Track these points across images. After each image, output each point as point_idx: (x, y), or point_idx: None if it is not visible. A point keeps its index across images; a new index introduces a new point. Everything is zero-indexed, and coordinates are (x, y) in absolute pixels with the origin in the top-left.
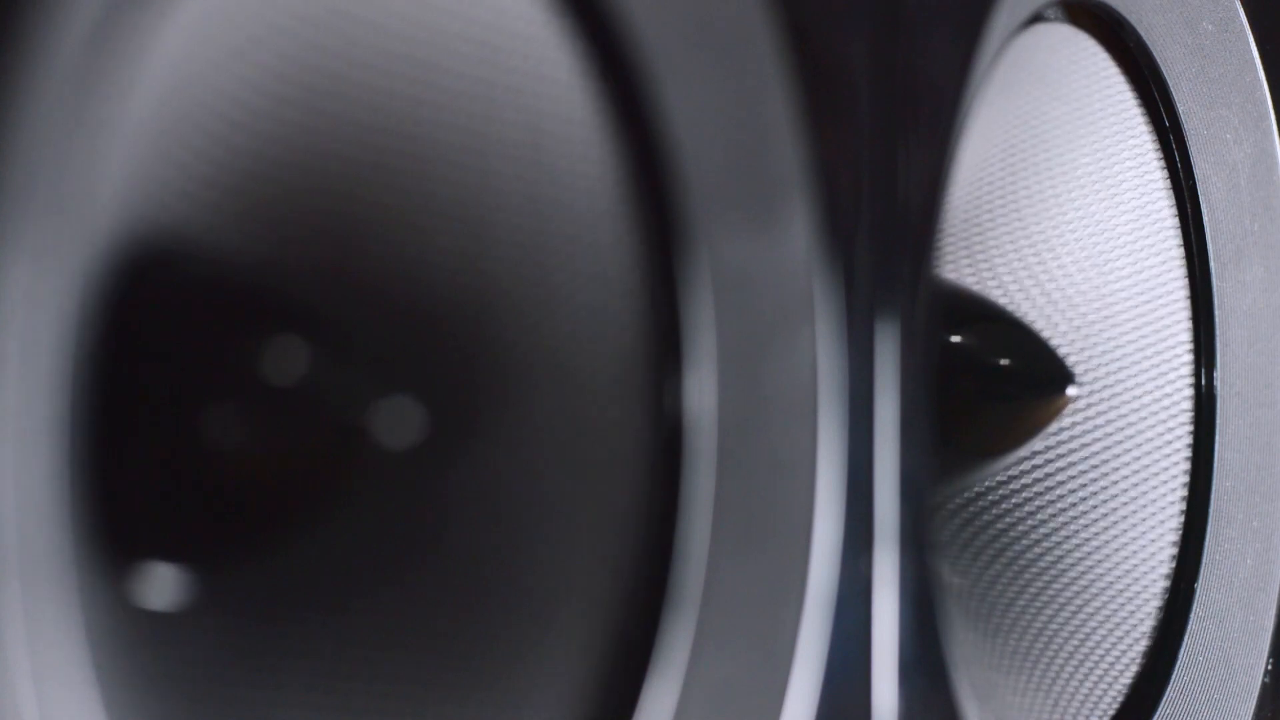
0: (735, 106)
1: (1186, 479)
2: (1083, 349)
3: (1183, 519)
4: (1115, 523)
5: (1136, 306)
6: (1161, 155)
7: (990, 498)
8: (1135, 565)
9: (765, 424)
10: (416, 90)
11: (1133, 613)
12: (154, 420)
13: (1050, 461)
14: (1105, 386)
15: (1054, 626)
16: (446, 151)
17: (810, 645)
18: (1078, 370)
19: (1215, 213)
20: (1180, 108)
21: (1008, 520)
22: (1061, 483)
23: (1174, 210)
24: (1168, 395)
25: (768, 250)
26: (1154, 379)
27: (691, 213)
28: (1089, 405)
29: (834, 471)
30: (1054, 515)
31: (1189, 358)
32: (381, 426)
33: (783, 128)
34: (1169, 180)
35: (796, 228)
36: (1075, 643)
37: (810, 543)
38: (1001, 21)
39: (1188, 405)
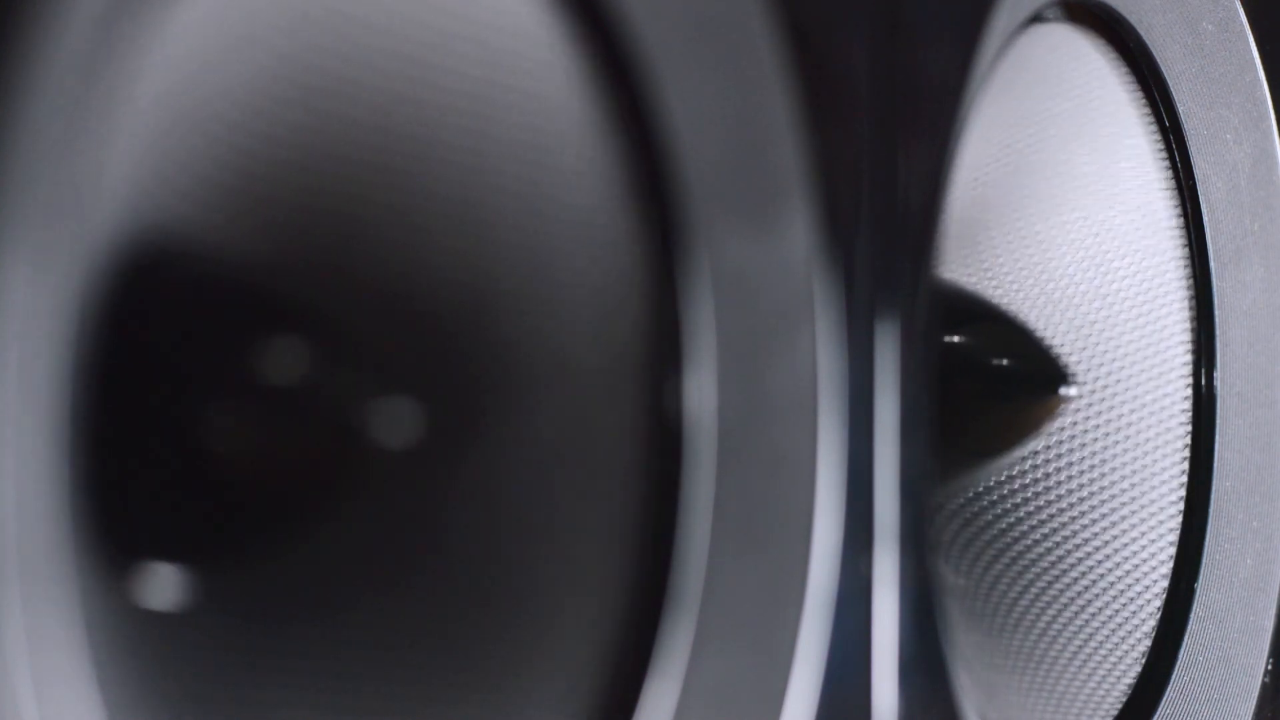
0: (735, 107)
1: (1186, 479)
2: (1082, 349)
3: (1182, 519)
4: (1115, 523)
5: (1136, 306)
6: (1162, 155)
7: (990, 498)
8: (1135, 565)
9: (765, 424)
10: (416, 90)
11: (1133, 613)
12: (154, 420)
13: (1050, 461)
14: (1105, 386)
15: (1054, 626)
16: (446, 151)
17: (810, 645)
18: (1077, 370)
19: (1215, 213)
20: (1180, 108)
21: (1008, 520)
22: (1061, 483)
23: (1174, 210)
24: (1167, 395)
25: (768, 250)
26: (1154, 379)
27: (691, 213)
28: (1088, 405)
29: (834, 471)
30: (1054, 515)
31: (1188, 357)
32: (382, 427)
33: (783, 128)
34: (1169, 180)
35: (796, 228)
36: (1075, 643)
37: (810, 543)
38: (1001, 22)
39: (1187, 405)
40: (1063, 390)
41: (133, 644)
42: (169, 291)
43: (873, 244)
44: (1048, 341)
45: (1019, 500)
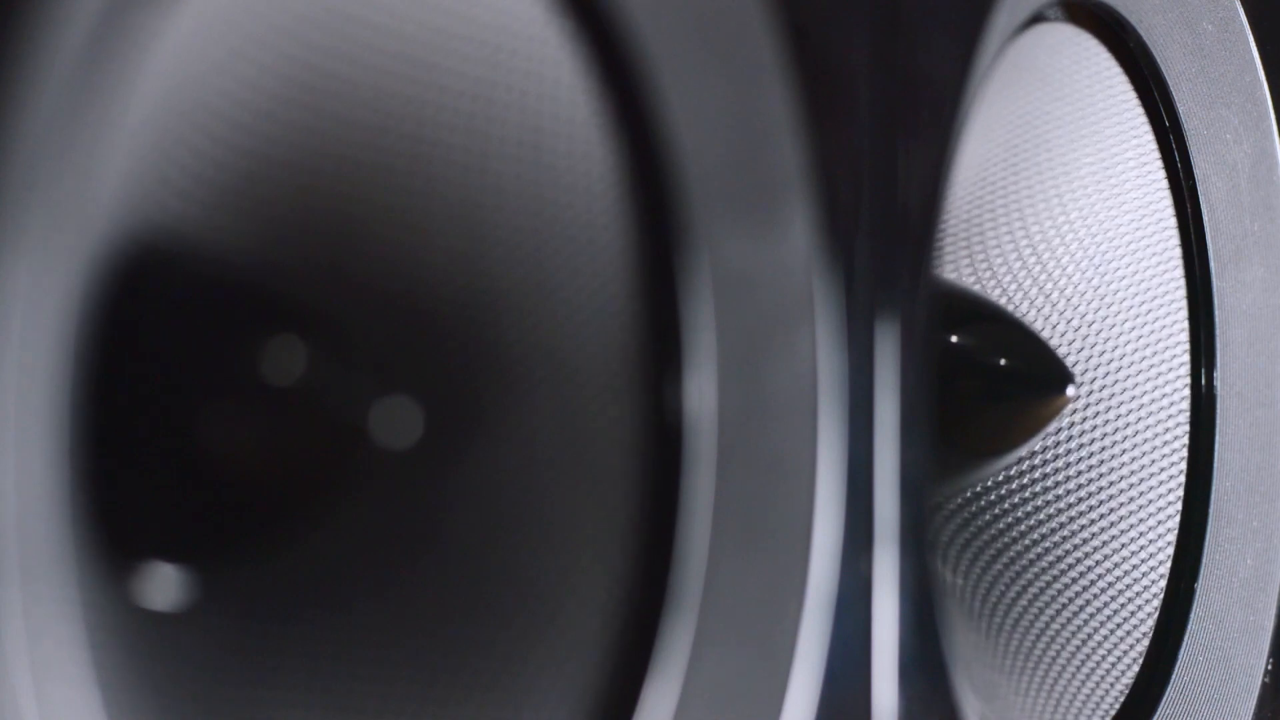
0: (735, 106)
1: (1186, 479)
2: (1082, 349)
3: (1182, 519)
4: (1115, 523)
5: (1136, 306)
6: (1162, 155)
7: (990, 498)
8: (1135, 565)
9: (765, 424)
10: (417, 90)
11: (1133, 613)
12: (154, 420)
13: (1050, 462)
14: (1105, 386)
15: (1054, 626)
16: (446, 151)
17: (810, 645)
18: (1077, 370)
19: (1215, 213)
20: (1180, 108)
21: (1007, 520)
22: (1061, 483)
23: (1174, 210)
24: (1167, 395)
25: (768, 250)
26: (1154, 379)
27: (691, 213)
28: (1088, 405)
29: (834, 471)
30: (1053, 515)
31: (1188, 357)
32: (382, 426)
33: (783, 128)
34: (1169, 180)
35: (796, 228)
36: (1075, 643)
37: (810, 543)
38: (1001, 21)
39: (1187, 405)
40: (1064, 391)
41: (133, 644)
42: (169, 291)
43: (873, 244)
44: (1048, 341)
45: (1018, 500)
